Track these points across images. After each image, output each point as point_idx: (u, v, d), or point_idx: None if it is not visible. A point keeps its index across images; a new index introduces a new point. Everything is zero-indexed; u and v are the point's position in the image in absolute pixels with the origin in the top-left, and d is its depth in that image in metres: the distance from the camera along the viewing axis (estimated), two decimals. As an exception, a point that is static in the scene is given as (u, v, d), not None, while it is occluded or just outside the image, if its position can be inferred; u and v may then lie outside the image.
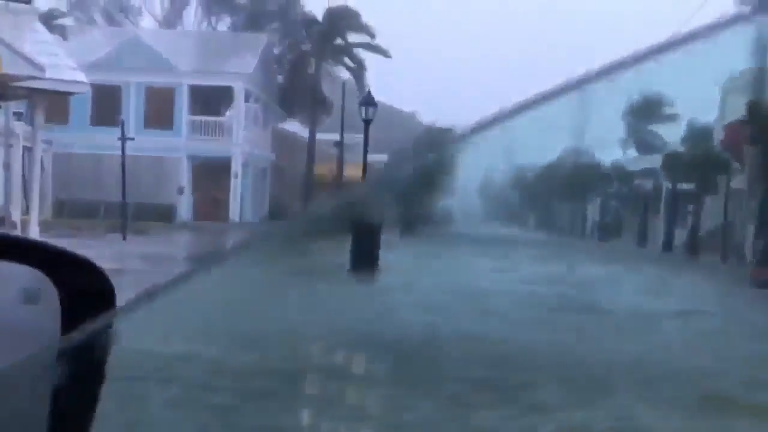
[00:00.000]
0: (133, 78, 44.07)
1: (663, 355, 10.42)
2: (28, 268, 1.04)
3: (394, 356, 9.39)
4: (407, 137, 60.13)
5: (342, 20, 48.01)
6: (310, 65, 49.22)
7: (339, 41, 48.78)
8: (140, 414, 6.11)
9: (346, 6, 48.40)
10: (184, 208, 44.35)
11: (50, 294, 1.03)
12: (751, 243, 33.85)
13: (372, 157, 50.78)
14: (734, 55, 41.91)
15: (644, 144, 60.99)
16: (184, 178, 44.79)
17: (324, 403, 6.75)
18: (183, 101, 44.87)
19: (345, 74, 49.11)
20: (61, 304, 1.04)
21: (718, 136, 41.74)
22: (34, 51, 13.13)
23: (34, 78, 12.95)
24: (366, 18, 48.23)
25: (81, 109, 43.20)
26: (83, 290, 1.06)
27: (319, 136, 50.43)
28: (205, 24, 52.79)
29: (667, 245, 42.21)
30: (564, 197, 71.02)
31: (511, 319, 13.17)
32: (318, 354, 9.15)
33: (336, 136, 47.49)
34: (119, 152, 30.51)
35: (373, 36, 48.68)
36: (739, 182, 38.35)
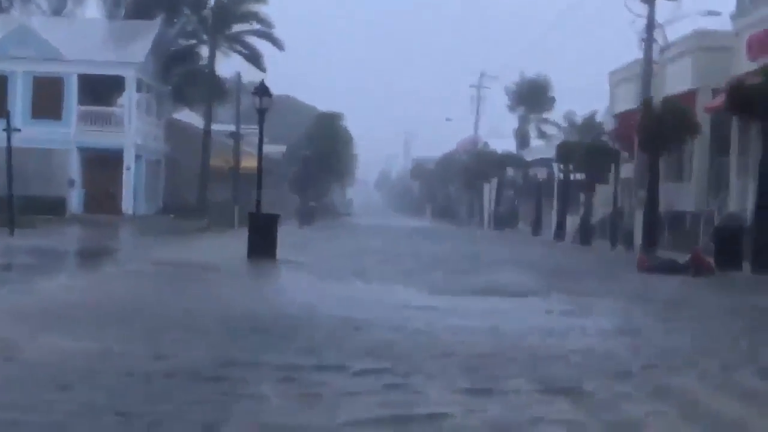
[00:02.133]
0: (19, 67, 42.96)
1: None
2: None
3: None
4: (305, 129, 60.28)
5: (235, 6, 47.50)
6: (203, 53, 48.66)
7: (233, 28, 48.16)
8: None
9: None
10: (75, 201, 43.55)
11: None
12: (640, 230, 34.79)
13: (270, 148, 50.72)
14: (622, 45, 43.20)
15: (535, 134, 62.22)
16: (75, 170, 44.07)
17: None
18: (72, 91, 44.03)
19: (242, 63, 48.59)
20: None
21: (609, 126, 42.93)
22: None
23: None
24: (260, 6, 48.12)
25: (-37, 98, 42.00)
26: None
27: (215, 126, 49.77)
28: (94, 12, 51.59)
29: (559, 232, 42.83)
30: (460, 187, 72.48)
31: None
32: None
33: (232, 127, 47.00)
34: (5, 144, 29.59)
35: (269, 25, 48.30)
36: (628, 171, 39.45)
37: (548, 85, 63.87)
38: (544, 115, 62.83)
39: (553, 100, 62.98)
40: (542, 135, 60.17)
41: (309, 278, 17.19)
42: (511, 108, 63.74)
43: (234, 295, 14.25)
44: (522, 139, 62.15)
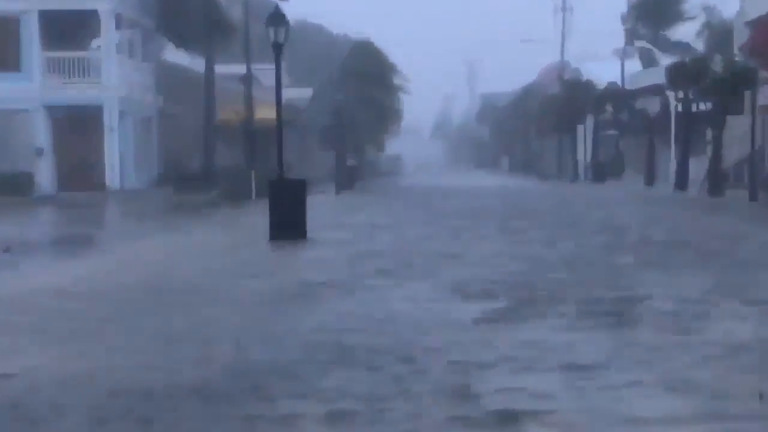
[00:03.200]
0: (-37, 5, 43.67)
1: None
2: None
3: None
4: (336, 65, 60.09)
5: None
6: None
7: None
8: None
9: None
10: (46, 175, 44.13)
11: None
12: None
13: (293, 93, 52.90)
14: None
15: (649, 54, 61.45)
16: (43, 136, 44.64)
17: None
18: (33, 33, 44.50)
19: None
20: None
21: (741, 37, 42.79)
22: None
23: None
24: None
25: None
26: None
27: (219, 69, 49.72)
28: None
29: (681, 182, 43.48)
30: (545, 130, 71.90)
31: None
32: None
33: (242, 69, 46.97)
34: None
35: None
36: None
37: None
38: (664, 30, 63.11)
39: (679, 12, 62.97)
40: (661, 54, 60.30)
41: (355, 274, 16.07)
42: (625, 21, 63.00)
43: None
44: (640, 58, 61.82)
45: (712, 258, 17.86)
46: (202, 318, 12.36)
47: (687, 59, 45.88)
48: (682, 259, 17.59)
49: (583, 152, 65.78)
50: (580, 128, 65.93)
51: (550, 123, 67.47)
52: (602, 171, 58.48)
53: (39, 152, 44.00)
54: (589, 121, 62.48)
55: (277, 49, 23.33)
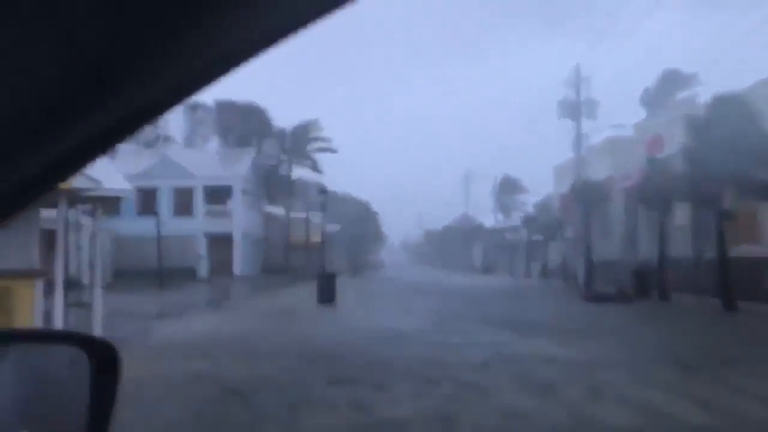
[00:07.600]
0: (164, 183, 64.29)
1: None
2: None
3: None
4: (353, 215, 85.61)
5: (304, 133, 70.49)
6: (285, 167, 70.76)
7: (304, 148, 70.99)
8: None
9: (309, 122, 70.92)
10: (202, 268, 62.58)
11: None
12: (582, 273, 59.43)
13: (330, 227, 76.93)
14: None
15: (507, 210, 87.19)
16: (202, 248, 63.26)
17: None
18: (199, 196, 63.28)
19: (309, 173, 71.47)
20: (91, 369, 1.77)
21: (555, 203, 67.76)
22: (92, 171, 16.87)
23: (93, 189, 17.63)
24: (320, 132, 70.78)
25: (129, 205, 58.12)
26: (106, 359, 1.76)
27: (292, 215, 69.95)
28: (213, 143, 75.22)
29: (527, 274, 67.81)
30: (457, 247, 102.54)
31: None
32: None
33: (304, 215, 68.72)
34: (156, 233, 47.40)
35: (328, 141, 71.35)
36: (570, 233, 64.15)
37: (521, 180, 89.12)
38: (514, 198, 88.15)
39: (526, 191, 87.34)
40: (514, 211, 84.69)
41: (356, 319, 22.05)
42: (493, 193, 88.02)
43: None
44: (503, 213, 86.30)
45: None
46: (302, 324, 19.87)
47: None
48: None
49: (477, 259, 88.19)
50: (475, 246, 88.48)
51: (460, 243, 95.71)
52: (486, 269, 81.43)
53: (199, 257, 63.46)
54: (480, 242, 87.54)
55: (323, 205, 36.54)
